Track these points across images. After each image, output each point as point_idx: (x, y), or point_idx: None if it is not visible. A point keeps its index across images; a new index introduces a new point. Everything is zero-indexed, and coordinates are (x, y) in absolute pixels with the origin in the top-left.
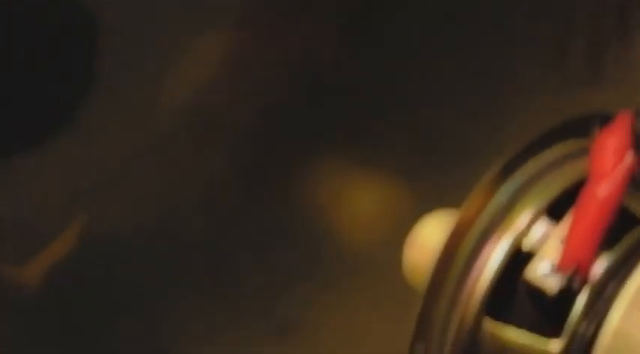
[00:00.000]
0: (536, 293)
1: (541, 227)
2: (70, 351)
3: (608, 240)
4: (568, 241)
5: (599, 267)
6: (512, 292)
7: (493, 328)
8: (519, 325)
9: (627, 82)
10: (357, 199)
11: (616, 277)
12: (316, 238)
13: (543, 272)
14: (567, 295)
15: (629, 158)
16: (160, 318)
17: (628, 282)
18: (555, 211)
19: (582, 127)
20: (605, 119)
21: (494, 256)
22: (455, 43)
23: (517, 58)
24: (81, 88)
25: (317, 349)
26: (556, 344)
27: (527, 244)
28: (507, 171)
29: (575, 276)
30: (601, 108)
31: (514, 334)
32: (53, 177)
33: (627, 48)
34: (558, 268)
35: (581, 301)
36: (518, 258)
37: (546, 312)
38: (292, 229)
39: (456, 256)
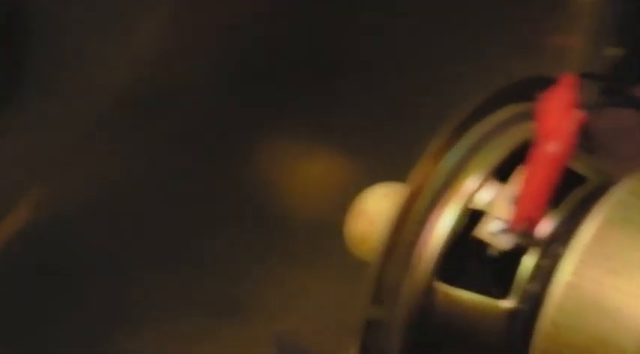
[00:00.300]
0: (487, 252)
1: (490, 188)
2: (21, 329)
3: (554, 199)
4: (520, 200)
5: (547, 225)
6: (466, 255)
7: (446, 289)
8: (472, 286)
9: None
10: (306, 173)
11: (563, 234)
12: (267, 216)
13: (494, 230)
14: (517, 253)
15: (575, 117)
16: (113, 296)
17: (575, 239)
18: (503, 172)
19: (525, 91)
20: (546, 82)
21: (445, 219)
22: (410, 20)
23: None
24: (16, 68)
25: (273, 325)
26: (507, 303)
27: (477, 205)
28: (454, 136)
29: (526, 234)
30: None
31: (466, 296)
32: (6, 153)
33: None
34: (510, 227)
35: (530, 259)
36: (471, 221)
37: (497, 271)
38: (243, 207)
39: (407, 221)
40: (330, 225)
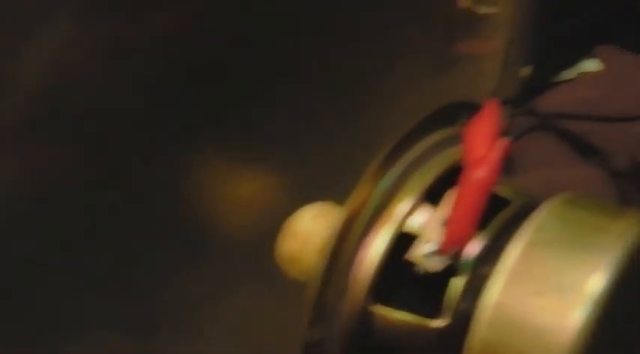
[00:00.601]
0: (419, 274)
1: (422, 212)
2: None
3: (481, 222)
4: (450, 224)
5: (475, 247)
6: (401, 277)
7: (381, 310)
8: (406, 307)
9: (476, 67)
10: (234, 191)
11: (490, 256)
12: (194, 231)
13: (426, 253)
14: (447, 274)
15: (501, 144)
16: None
17: (501, 261)
18: (434, 195)
19: (451, 116)
20: (471, 108)
21: (378, 243)
22: (334, 31)
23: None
24: None
25: (192, 346)
26: (438, 322)
27: (410, 228)
28: (387, 162)
29: (456, 255)
30: (458, 92)
31: (400, 316)
32: None
33: (475, 38)
34: (441, 249)
35: (459, 280)
36: (405, 244)
37: (429, 292)
38: (168, 223)
39: (344, 245)
40: (258, 244)
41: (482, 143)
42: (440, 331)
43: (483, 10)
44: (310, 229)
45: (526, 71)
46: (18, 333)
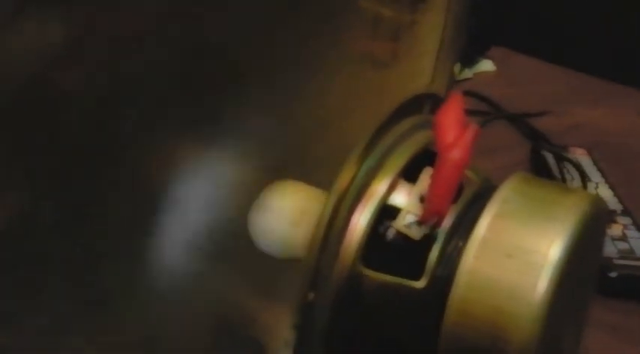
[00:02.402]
0: (402, 241)
1: (401, 188)
2: None
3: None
4: (429, 198)
5: (449, 218)
6: (386, 245)
7: (369, 273)
8: (391, 271)
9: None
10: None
11: (464, 226)
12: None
13: (408, 223)
14: (427, 242)
15: (472, 129)
16: None
17: (475, 229)
18: (409, 173)
19: (417, 106)
20: (434, 98)
21: (365, 215)
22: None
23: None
24: None
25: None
26: (420, 283)
27: (394, 202)
28: (368, 147)
29: (435, 225)
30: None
31: (387, 278)
32: None
33: (414, 37)
34: (422, 220)
35: (437, 247)
36: (389, 216)
37: (411, 257)
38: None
39: (336, 218)
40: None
41: (454, 128)
42: (421, 291)
43: (417, 16)
44: (282, 203)
45: (456, 68)
46: None
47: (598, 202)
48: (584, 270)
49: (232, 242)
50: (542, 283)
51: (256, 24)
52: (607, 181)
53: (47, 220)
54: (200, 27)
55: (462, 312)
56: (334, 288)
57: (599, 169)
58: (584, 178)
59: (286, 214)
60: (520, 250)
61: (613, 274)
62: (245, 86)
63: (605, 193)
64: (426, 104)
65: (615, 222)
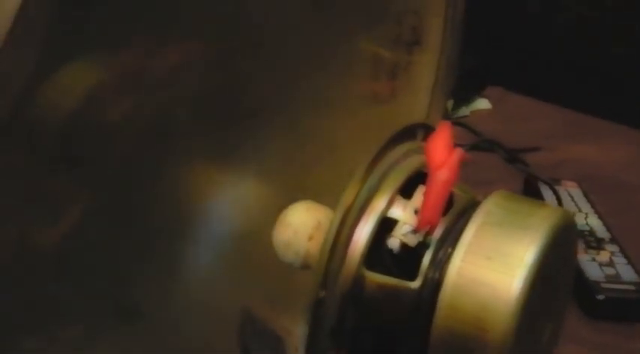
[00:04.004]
0: (400, 248)
1: (398, 203)
2: None
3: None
4: (423, 210)
5: (439, 228)
6: (386, 252)
7: (371, 275)
8: (390, 274)
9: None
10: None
11: (452, 235)
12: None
13: (405, 232)
14: (421, 248)
15: (459, 152)
16: None
17: (462, 237)
18: (404, 191)
19: (411, 134)
20: (426, 127)
21: (367, 226)
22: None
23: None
24: None
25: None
26: (415, 283)
27: (392, 215)
28: (370, 169)
29: (427, 234)
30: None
31: (386, 279)
32: None
33: (411, 76)
34: (416, 229)
35: (429, 252)
36: (388, 227)
37: (407, 261)
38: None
39: (343, 228)
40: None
41: (443, 152)
42: (416, 290)
43: (413, 57)
44: (301, 220)
45: (449, 105)
46: None
47: (567, 215)
48: (558, 274)
49: (255, 253)
50: (517, 283)
51: (284, 69)
52: (596, 211)
53: (93, 235)
54: (237, 76)
55: (451, 307)
56: (341, 287)
57: (589, 201)
58: (560, 201)
59: (304, 229)
60: (499, 254)
61: (600, 297)
62: (264, 120)
63: (595, 222)
64: (419, 132)
65: (603, 249)
